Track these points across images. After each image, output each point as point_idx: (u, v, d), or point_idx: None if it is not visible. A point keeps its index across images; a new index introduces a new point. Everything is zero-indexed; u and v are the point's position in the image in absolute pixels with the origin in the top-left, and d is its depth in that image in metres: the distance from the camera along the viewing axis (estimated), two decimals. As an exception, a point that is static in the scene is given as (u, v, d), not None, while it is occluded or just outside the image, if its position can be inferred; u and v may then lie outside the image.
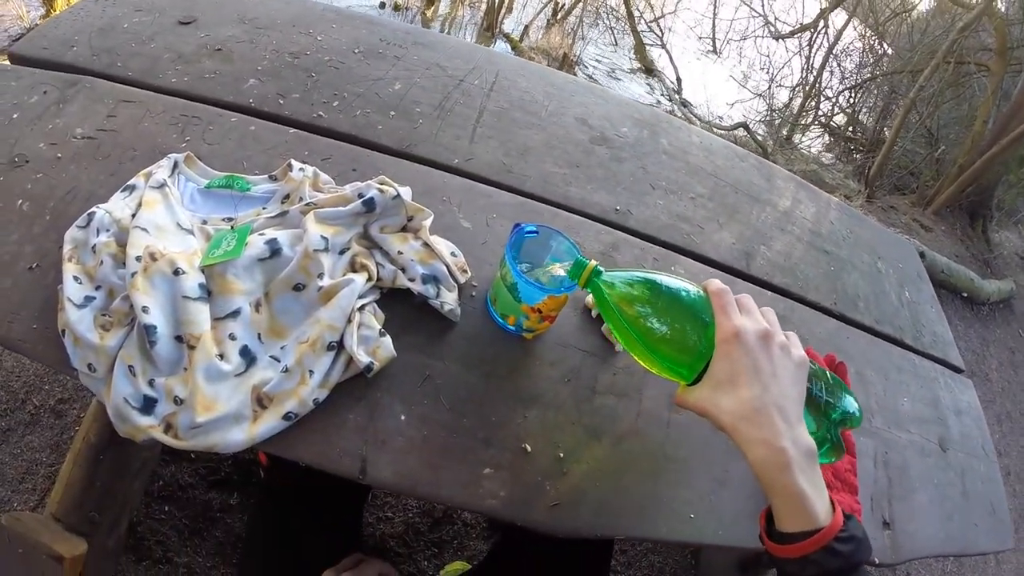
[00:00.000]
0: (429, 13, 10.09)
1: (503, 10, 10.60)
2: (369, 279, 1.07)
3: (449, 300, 1.11)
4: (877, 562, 1.25)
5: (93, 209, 1.07)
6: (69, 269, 1.00)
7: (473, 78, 1.78)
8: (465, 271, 1.18)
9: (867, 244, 2.04)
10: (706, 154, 1.94)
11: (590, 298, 1.28)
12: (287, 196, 1.18)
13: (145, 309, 0.91)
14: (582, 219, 1.49)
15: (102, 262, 0.99)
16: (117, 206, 1.08)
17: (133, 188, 1.12)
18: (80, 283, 0.98)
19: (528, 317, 1.10)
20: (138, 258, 0.97)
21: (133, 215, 1.06)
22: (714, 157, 1.95)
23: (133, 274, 0.95)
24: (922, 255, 5.50)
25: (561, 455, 1.07)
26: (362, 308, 1.03)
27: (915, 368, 1.72)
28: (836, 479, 1.23)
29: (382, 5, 9.76)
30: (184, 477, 2.05)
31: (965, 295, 6.12)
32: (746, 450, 0.83)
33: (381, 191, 1.12)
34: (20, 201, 1.15)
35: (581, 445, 1.10)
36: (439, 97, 1.66)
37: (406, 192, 1.16)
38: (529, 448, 1.06)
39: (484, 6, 10.50)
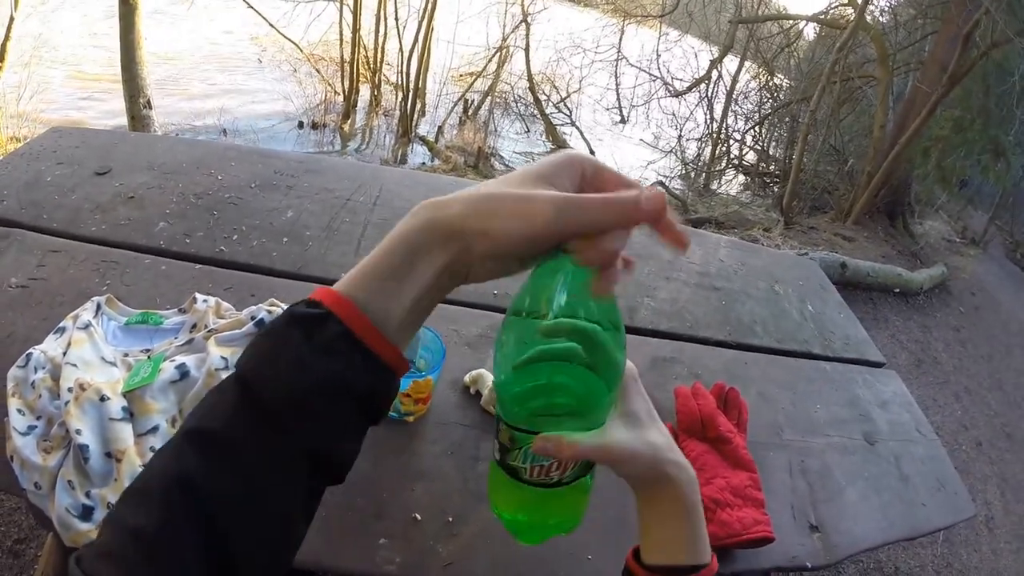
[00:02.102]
0: (346, 127, 10.28)
1: (416, 115, 10.82)
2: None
3: None
4: (810, 566, 1.32)
5: (30, 351, 1.23)
6: (13, 403, 1.16)
7: (359, 195, 1.96)
8: None
9: (761, 271, 2.16)
10: None
11: (468, 376, 1.43)
12: (194, 325, 1.36)
13: (78, 432, 1.08)
14: (461, 308, 1.64)
15: (40, 395, 1.16)
16: (50, 346, 1.25)
17: (63, 330, 1.29)
18: (23, 414, 1.15)
19: (403, 402, 1.28)
20: (70, 389, 1.14)
21: (64, 353, 1.22)
22: None
23: (66, 403, 1.12)
24: (844, 266, 5.70)
25: (450, 519, 1.19)
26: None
27: (826, 375, 1.82)
28: (736, 496, 1.28)
29: (300, 125, 9.95)
30: None
31: (897, 291, 6.25)
32: (674, 475, 0.79)
33: (270, 312, 1.32)
34: (-35, 347, 1.29)
35: (469, 508, 1.21)
36: (327, 219, 1.84)
37: (293, 310, 1.34)
38: (419, 517, 1.17)
39: (398, 113, 10.73)
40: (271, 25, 10.33)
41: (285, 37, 10.57)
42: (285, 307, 1.32)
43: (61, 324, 1.31)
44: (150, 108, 5.74)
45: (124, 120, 5.75)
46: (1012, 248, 10.64)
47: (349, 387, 0.55)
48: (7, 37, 5.62)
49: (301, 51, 10.80)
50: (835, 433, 1.65)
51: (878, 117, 8.39)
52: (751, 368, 1.75)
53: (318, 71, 10.92)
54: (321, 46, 10.97)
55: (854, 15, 8.30)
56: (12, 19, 5.64)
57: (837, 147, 10.33)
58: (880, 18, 10.55)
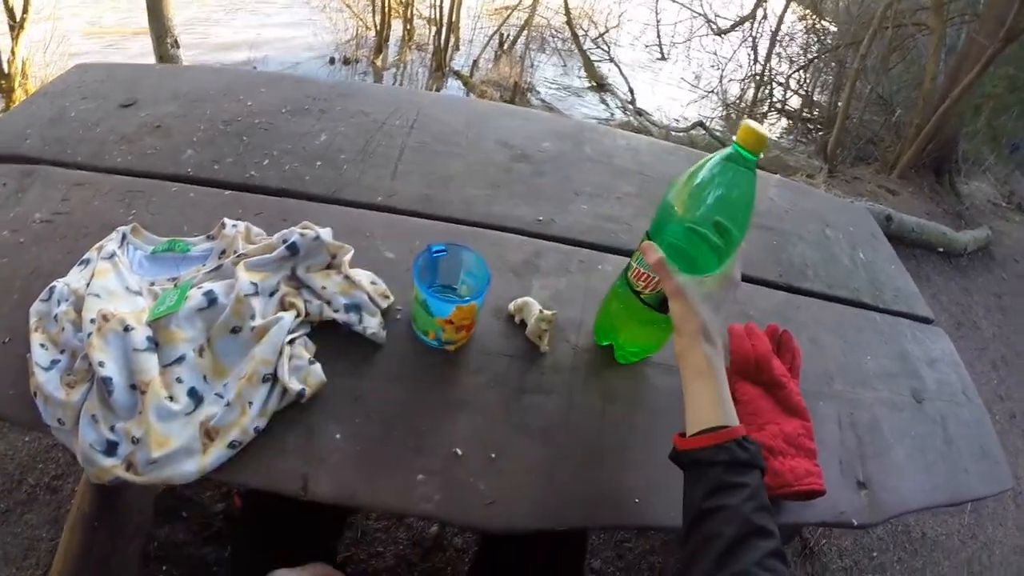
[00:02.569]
0: (379, 62, 10.22)
1: (451, 49, 10.73)
2: (298, 316, 1.18)
3: (372, 324, 1.22)
4: (855, 524, 1.27)
5: (53, 283, 1.18)
6: (36, 338, 1.11)
7: (394, 119, 1.89)
8: (387, 296, 1.30)
9: (812, 214, 2.09)
10: (632, 154, 2.02)
11: (512, 305, 1.37)
12: (223, 252, 1.30)
13: (101, 364, 1.03)
14: (504, 234, 1.57)
15: (63, 329, 1.11)
16: (73, 278, 1.20)
17: (87, 261, 1.24)
18: (46, 349, 1.10)
19: (444, 329, 1.20)
20: (92, 320, 1.08)
21: (87, 284, 1.17)
22: (640, 156, 2.03)
23: (89, 335, 1.06)
24: (889, 219, 5.57)
25: (492, 455, 1.14)
26: (292, 341, 1.14)
27: (876, 326, 1.76)
28: (790, 445, 1.23)
29: (331, 61, 9.89)
30: (178, 536, 2.09)
31: (941, 250, 6.12)
32: (705, 347, 1.01)
33: (303, 235, 1.24)
34: (-11, 285, 1.26)
35: (512, 444, 1.16)
36: (362, 142, 1.77)
37: (326, 232, 1.28)
38: (460, 452, 1.12)
39: (431, 48, 10.62)
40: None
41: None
42: (318, 229, 1.27)
43: (85, 256, 1.27)
44: (177, 47, 5.70)
45: (150, 62, 5.70)
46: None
47: None
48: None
49: (331, -16, 10.72)
50: (884, 387, 1.58)
51: (929, 68, 8.13)
52: (802, 312, 1.69)
53: (348, 6, 10.82)
54: (351, -22, 10.86)
55: None
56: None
57: (884, 96, 10.08)
58: None
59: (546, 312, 1.30)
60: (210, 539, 2.11)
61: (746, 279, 1.67)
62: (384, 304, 1.28)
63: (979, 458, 1.55)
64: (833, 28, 12.19)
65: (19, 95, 5.70)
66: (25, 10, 5.57)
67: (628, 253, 1.48)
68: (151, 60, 5.76)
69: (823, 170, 7.85)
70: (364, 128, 1.84)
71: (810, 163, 8.65)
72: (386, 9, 10.39)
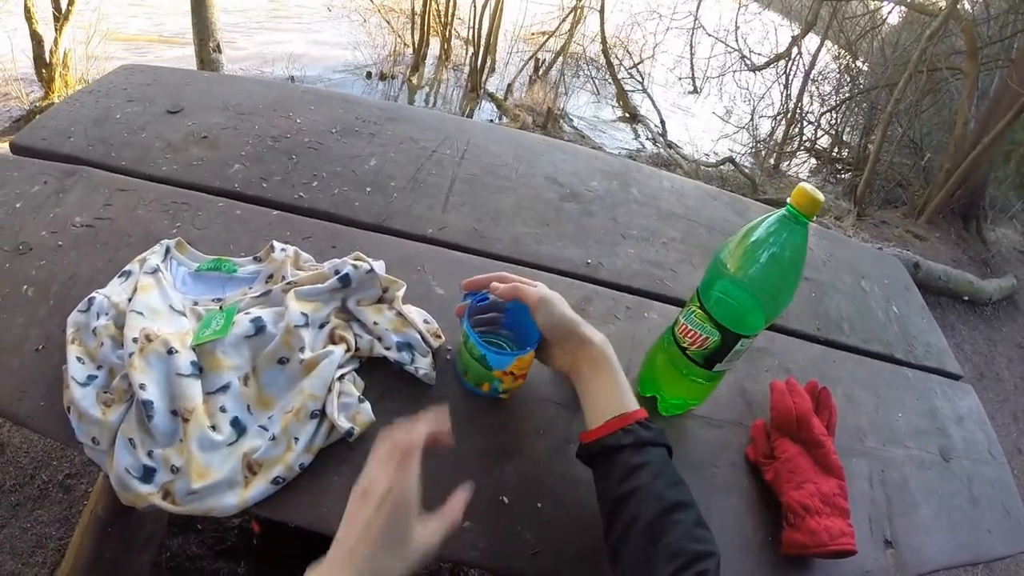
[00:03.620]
0: (415, 80, 10.29)
1: (486, 70, 10.79)
2: (348, 350, 1.15)
3: (423, 365, 1.19)
4: None
5: (93, 294, 1.15)
6: (72, 351, 1.08)
7: (445, 148, 1.87)
8: (439, 336, 1.26)
9: (849, 265, 2.07)
10: (677, 197, 2.01)
11: None
12: (271, 276, 1.27)
13: (143, 386, 0.99)
14: (553, 276, 1.54)
15: (102, 344, 1.07)
16: (114, 291, 1.17)
17: (129, 274, 1.21)
18: (83, 363, 1.06)
19: (502, 381, 1.17)
20: (135, 339, 1.05)
21: (129, 299, 1.14)
22: (685, 199, 2.02)
23: (131, 354, 1.03)
24: (916, 266, 5.56)
25: (539, 504, 1.11)
26: (342, 377, 1.11)
27: (908, 382, 1.74)
28: (825, 504, 1.22)
29: (368, 75, 9.97)
30: (191, 548, 2.07)
31: (966, 298, 6.13)
32: (589, 335, 1.07)
33: (355, 267, 1.21)
34: (25, 287, 1.23)
35: (558, 493, 1.13)
36: (412, 170, 1.75)
37: (379, 266, 1.25)
38: (507, 500, 1.10)
39: (467, 68, 10.69)
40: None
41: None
42: (371, 262, 1.24)
43: (127, 267, 1.23)
44: (219, 52, 5.74)
45: (190, 66, 5.74)
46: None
47: None
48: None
49: (372, 1, 10.80)
50: (914, 445, 1.56)
51: (961, 113, 8.17)
52: (838, 367, 1.66)
53: (388, 22, 10.93)
54: (391, -3, 10.98)
55: (946, 2, 8.05)
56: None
57: (915, 140, 10.09)
58: (970, 8, 10.27)
59: (595, 362, 1.27)
60: (223, 553, 2.10)
61: (786, 331, 1.69)
62: (436, 344, 1.25)
63: (1001, 517, 1.54)
64: (865, 67, 12.23)
65: (59, 86, 5.74)
66: (71, 2, 5.61)
67: (673, 300, 1.46)
68: (189, 65, 5.80)
69: (851, 213, 7.85)
70: (414, 155, 1.82)
71: (838, 204, 8.65)
72: (425, 27, 10.47)
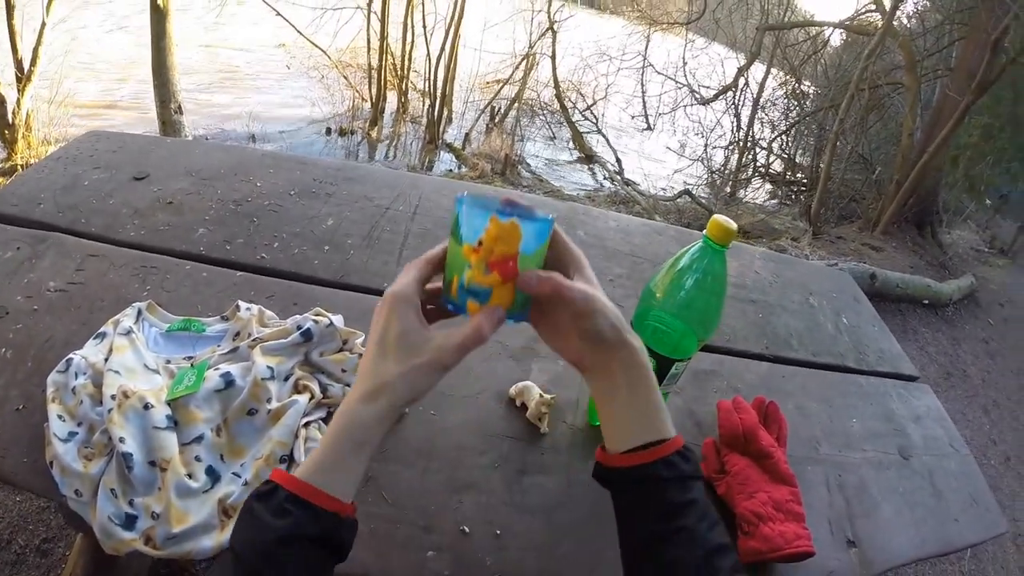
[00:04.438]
0: (374, 134, 10.38)
1: (443, 121, 10.91)
2: (312, 398, 1.23)
3: None
4: None
5: (70, 356, 1.22)
6: (53, 409, 1.15)
7: (398, 204, 1.96)
8: None
9: (797, 284, 2.16)
10: (624, 235, 2.10)
11: (513, 389, 1.42)
12: (237, 333, 1.35)
13: (122, 440, 1.07)
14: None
15: (82, 402, 1.15)
16: (91, 352, 1.24)
17: (104, 335, 1.28)
18: (64, 420, 1.13)
19: (471, 265, 0.83)
20: (112, 397, 1.13)
21: (105, 359, 1.22)
22: (632, 237, 2.11)
23: (109, 411, 1.11)
24: (873, 277, 5.69)
25: (498, 532, 1.18)
26: (307, 424, 1.19)
27: (862, 389, 1.81)
28: (779, 511, 1.26)
29: (328, 131, 10.06)
30: None
31: (926, 302, 6.23)
32: (632, 341, 0.85)
33: (316, 321, 1.30)
34: (4, 350, 1.30)
35: (515, 522, 1.20)
36: (368, 227, 1.83)
37: (338, 320, 1.34)
38: (467, 530, 1.16)
39: (425, 120, 10.80)
40: (299, 32, 10.44)
41: (313, 44, 10.68)
42: (331, 316, 1.32)
43: (101, 329, 1.31)
44: (181, 113, 5.81)
45: (142, 127, 5.81)
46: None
47: (301, 536, 0.72)
48: (39, 42, 5.69)
49: (329, 58, 10.90)
50: (871, 448, 1.64)
51: (906, 125, 8.40)
52: (788, 382, 1.74)
53: (346, 78, 11.03)
54: (348, 53, 11.07)
55: (882, 21, 8.30)
56: (44, 24, 5.70)
57: (864, 155, 10.34)
58: (906, 23, 10.58)
59: (546, 396, 1.36)
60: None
61: (734, 353, 1.76)
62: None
63: (968, 506, 1.60)
64: (811, 90, 12.52)
65: (22, 147, 5.77)
66: (33, 63, 5.66)
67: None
68: (149, 126, 5.86)
69: (807, 232, 7.99)
70: (369, 213, 1.90)
71: (795, 225, 8.81)
72: (382, 82, 10.56)
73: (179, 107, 5.73)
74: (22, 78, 5.68)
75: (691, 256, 1.16)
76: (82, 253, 1.55)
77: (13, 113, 5.74)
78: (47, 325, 1.36)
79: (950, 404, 4.74)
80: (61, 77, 6.73)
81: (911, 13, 10.90)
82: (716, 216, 1.11)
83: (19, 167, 5.60)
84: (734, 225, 1.10)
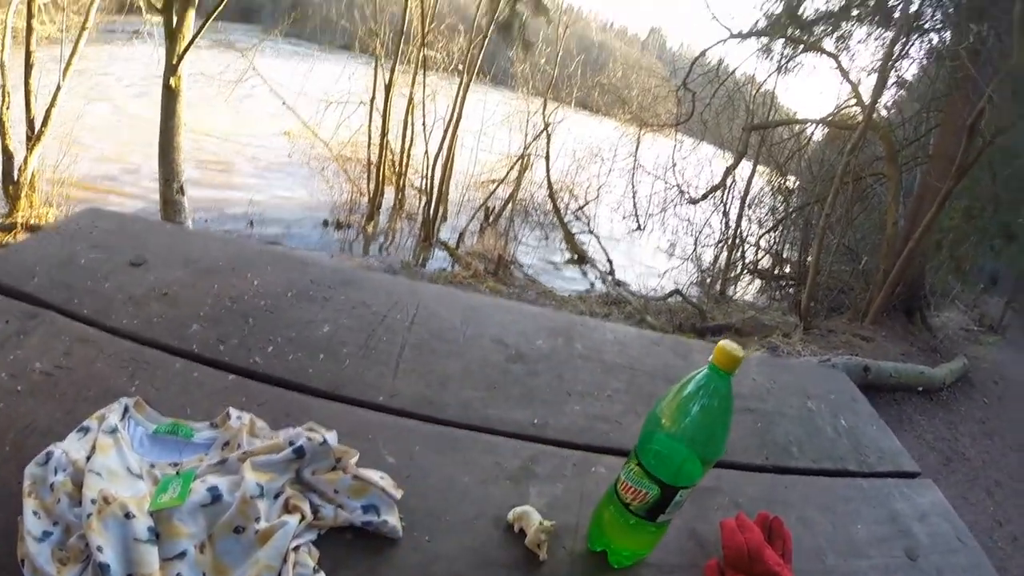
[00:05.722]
0: (370, 228, 10.50)
1: (439, 219, 11.06)
2: (303, 519, 1.18)
3: (390, 518, 1.24)
4: None
5: (51, 448, 1.18)
6: (29, 504, 1.10)
7: (395, 313, 1.94)
8: (399, 488, 1.30)
9: (794, 388, 2.14)
10: (620, 347, 2.08)
11: (512, 514, 1.37)
12: (227, 443, 1.31)
13: (100, 549, 1.02)
14: (501, 438, 1.59)
15: (59, 500, 1.10)
16: (73, 447, 1.20)
17: (87, 430, 1.24)
18: (39, 518, 1.09)
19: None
20: (93, 501, 1.08)
21: (88, 458, 1.17)
22: (629, 349, 2.09)
23: (89, 515, 1.06)
24: (866, 369, 5.75)
25: None
26: (297, 548, 1.14)
27: (864, 493, 1.78)
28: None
29: (324, 223, 10.20)
30: None
31: (921, 389, 6.27)
32: None
33: (310, 438, 1.26)
34: (-19, 429, 1.25)
35: None
36: (364, 336, 1.81)
37: (332, 437, 1.30)
38: None
39: (420, 217, 10.93)
40: (304, 124, 10.67)
41: (316, 136, 10.87)
42: (324, 433, 1.29)
43: (85, 423, 1.27)
44: (182, 194, 5.86)
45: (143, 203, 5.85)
46: (1034, 326, 10.91)
47: None
48: (52, 103, 5.77)
49: (330, 150, 11.07)
50: (876, 553, 1.60)
51: (890, 214, 8.67)
52: (790, 492, 1.72)
53: (345, 171, 11.21)
54: (350, 147, 11.26)
55: (862, 115, 8.55)
56: (59, 87, 5.77)
57: (851, 246, 10.56)
58: (885, 114, 10.93)
59: (545, 523, 1.32)
60: None
61: (733, 466, 1.74)
62: (398, 495, 1.29)
63: None
64: (799, 186, 12.83)
65: (23, 205, 5.79)
66: (44, 124, 5.72)
67: (620, 452, 1.53)
68: (149, 202, 5.89)
69: (799, 327, 8.06)
70: (366, 321, 1.88)
71: (785, 320, 8.96)
72: (380, 177, 10.72)
73: (181, 187, 5.79)
74: (32, 137, 5.74)
75: (697, 383, 1.18)
76: (72, 336, 1.53)
77: (19, 170, 5.79)
78: (29, 409, 1.32)
79: (952, 490, 4.72)
80: (71, 141, 6.81)
81: (889, 104, 11.29)
82: (722, 343, 1.14)
83: (19, 224, 5.62)
84: (741, 352, 1.12)
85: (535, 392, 1.80)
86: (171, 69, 6.06)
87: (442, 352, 1.84)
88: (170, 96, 5.59)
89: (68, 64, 6.30)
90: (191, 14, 6.79)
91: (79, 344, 1.51)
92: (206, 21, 7.30)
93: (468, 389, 1.73)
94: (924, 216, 7.93)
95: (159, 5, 6.87)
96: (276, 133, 12.85)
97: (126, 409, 1.32)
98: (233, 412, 1.37)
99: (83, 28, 8.10)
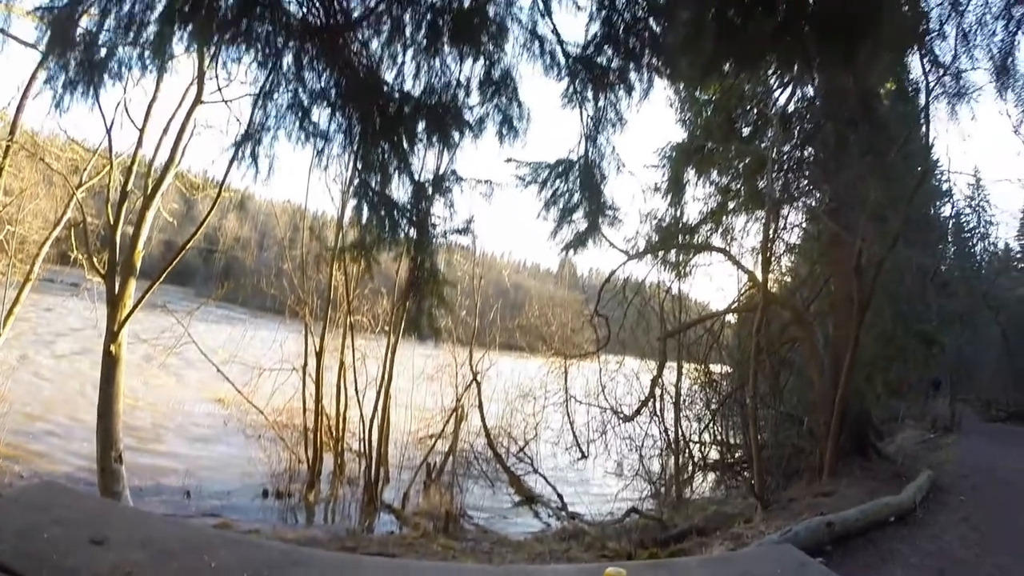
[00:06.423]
0: (311, 497, 10.46)
1: (380, 482, 11.06)
2: None
3: None
4: None
5: None
6: None
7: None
8: None
9: None
10: None
11: None
12: None
13: None
14: None
15: None
16: None
17: None
18: None
19: None
20: None
21: None
22: None
23: None
24: (830, 524, 5.75)
25: None
26: None
27: None
28: None
29: (264, 494, 10.12)
30: None
31: (893, 519, 6.25)
32: None
33: None
34: None
35: None
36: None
37: None
38: None
39: (362, 482, 10.94)
40: (240, 392, 10.77)
41: (252, 404, 10.97)
42: None
43: None
44: (120, 462, 5.89)
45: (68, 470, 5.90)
46: (984, 409, 11.26)
47: None
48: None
49: (266, 418, 11.15)
50: None
51: (813, 371, 8.93)
52: None
53: (282, 439, 11.23)
54: (285, 413, 11.35)
55: (759, 293, 9.02)
56: None
57: (790, 412, 10.76)
58: (786, 279, 11.49)
59: None
60: None
61: None
62: None
63: None
64: (724, 372, 13.17)
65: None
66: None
67: None
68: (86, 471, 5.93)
69: (758, 509, 8.09)
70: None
71: (746, 503, 8.96)
72: (317, 443, 10.77)
73: (119, 456, 5.86)
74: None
75: None
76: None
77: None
78: None
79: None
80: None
81: (785, 270, 11.89)
82: (608, 569, 1.27)
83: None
84: (624, 572, 1.26)
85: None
86: (112, 336, 6.24)
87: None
88: (110, 363, 5.75)
89: (9, 314, 6.45)
90: (132, 283, 7.17)
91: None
92: (147, 291, 7.59)
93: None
94: (844, 360, 8.30)
95: (102, 271, 7.18)
96: (210, 399, 12.95)
97: None
98: None
99: (27, 279, 8.41)
